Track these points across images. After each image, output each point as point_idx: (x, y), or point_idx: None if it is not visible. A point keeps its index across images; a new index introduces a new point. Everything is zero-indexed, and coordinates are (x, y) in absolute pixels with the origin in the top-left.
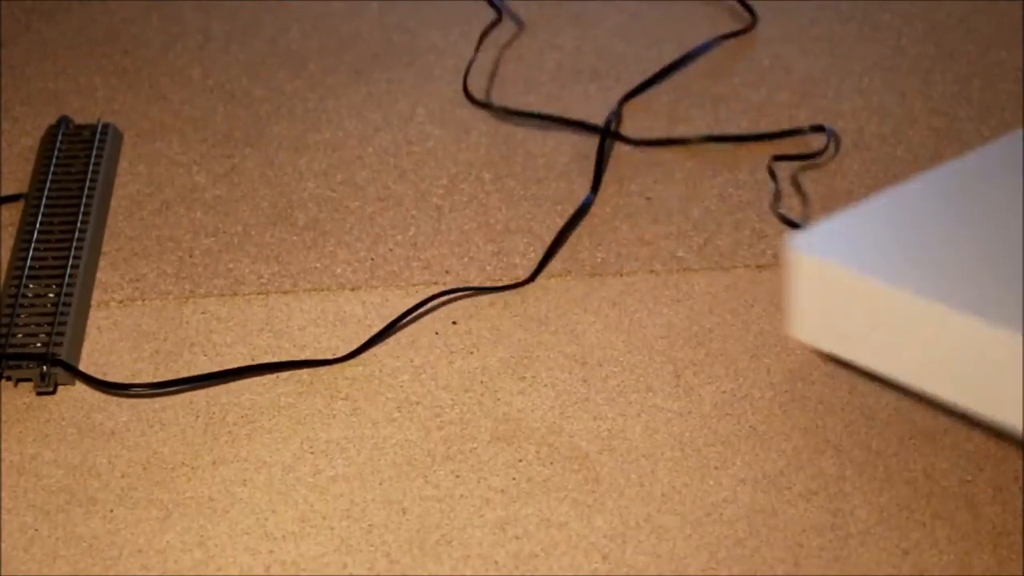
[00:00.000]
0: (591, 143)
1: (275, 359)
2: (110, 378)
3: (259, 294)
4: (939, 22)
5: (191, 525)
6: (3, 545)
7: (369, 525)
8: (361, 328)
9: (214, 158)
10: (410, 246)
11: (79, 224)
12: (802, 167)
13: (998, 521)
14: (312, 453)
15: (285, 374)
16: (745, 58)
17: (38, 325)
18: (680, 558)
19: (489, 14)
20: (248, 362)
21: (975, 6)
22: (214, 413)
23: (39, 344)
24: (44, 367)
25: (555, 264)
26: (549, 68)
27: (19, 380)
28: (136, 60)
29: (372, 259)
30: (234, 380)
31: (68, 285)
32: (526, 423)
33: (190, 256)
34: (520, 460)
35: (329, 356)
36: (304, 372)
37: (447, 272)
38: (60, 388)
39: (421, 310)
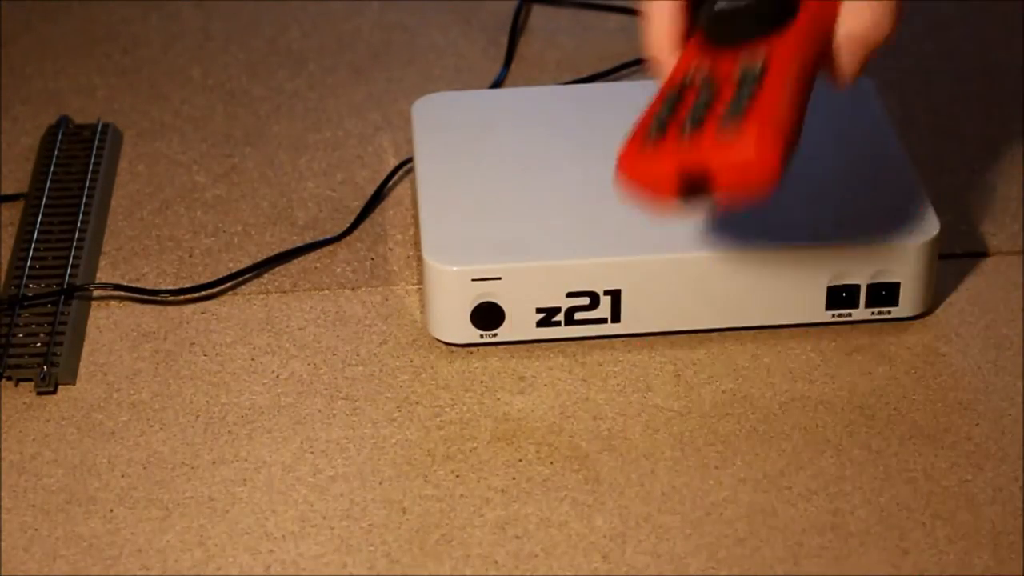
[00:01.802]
0: None
1: (275, 359)
2: (110, 378)
3: (259, 294)
4: (939, 22)
5: (191, 525)
6: (3, 545)
7: (369, 525)
8: (361, 328)
9: (214, 158)
10: (410, 246)
11: (79, 224)
12: None
13: (998, 521)
14: (312, 453)
15: (285, 373)
16: None
17: (38, 325)
18: (680, 558)
19: (489, 15)
20: (248, 362)
21: (975, 6)
22: (214, 413)
23: (39, 344)
24: (44, 367)
25: None
26: (550, 68)
27: (19, 380)
28: (136, 60)
29: (372, 259)
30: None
31: (68, 285)
32: (526, 423)
33: (190, 256)
34: (520, 460)
35: (329, 355)
36: (304, 372)
37: None
38: (60, 388)
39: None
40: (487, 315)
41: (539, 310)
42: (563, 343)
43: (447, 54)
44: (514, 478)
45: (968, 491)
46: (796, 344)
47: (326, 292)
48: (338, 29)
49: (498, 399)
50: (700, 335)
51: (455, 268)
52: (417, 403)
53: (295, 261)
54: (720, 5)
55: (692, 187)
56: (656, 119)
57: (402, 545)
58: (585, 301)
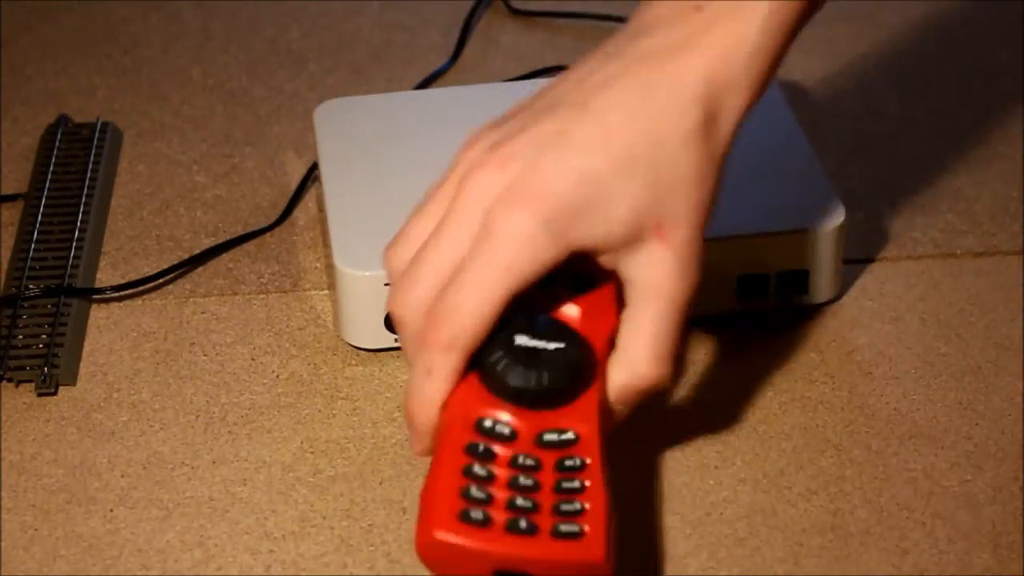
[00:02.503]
0: None
1: (275, 359)
2: (110, 378)
3: (259, 294)
4: (939, 22)
5: (191, 525)
6: (3, 545)
7: (369, 525)
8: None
9: (214, 158)
10: None
11: (79, 224)
12: None
13: (998, 521)
14: (312, 453)
15: (285, 373)
16: None
17: (38, 326)
18: (680, 558)
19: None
20: (248, 362)
21: (975, 6)
22: (214, 413)
23: (40, 345)
24: (45, 368)
25: None
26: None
27: (20, 381)
28: (136, 60)
29: None
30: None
31: (68, 285)
32: None
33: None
34: None
35: (330, 354)
36: (304, 372)
37: None
38: (60, 388)
39: None
40: None
41: None
42: None
43: (447, 54)
44: None
45: (968, 491)
46: (796, 344)
47: (326, 292)
48: (338, 29)
49: None
50: (700, 335)
51: (367, 273)
52: None
53: (295, 261)
54: (516, 382)
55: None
56: (473, 489)
57: (402, 545)
58: None
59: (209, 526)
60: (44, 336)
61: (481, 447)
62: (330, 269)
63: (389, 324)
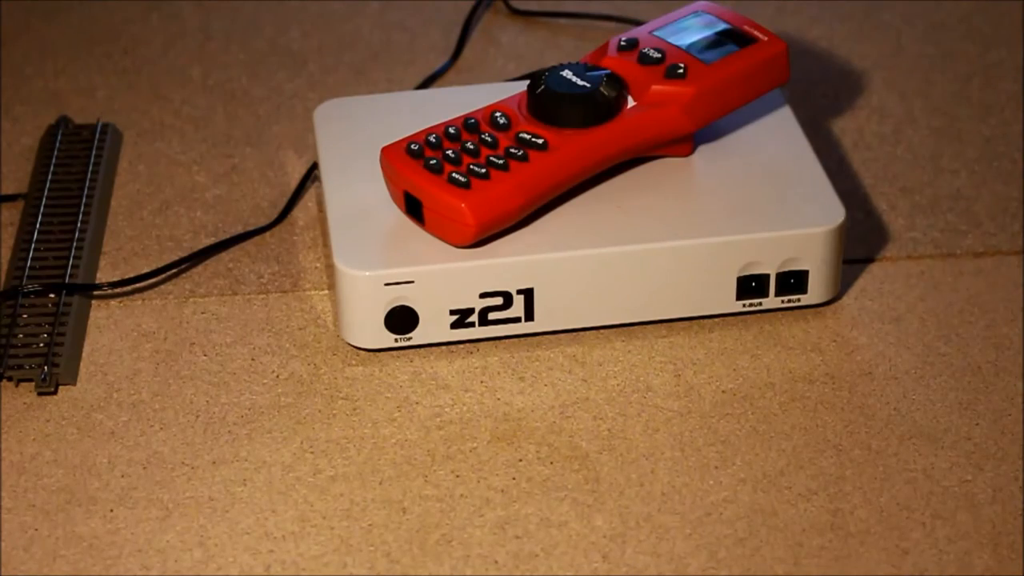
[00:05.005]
0: None
1: (275, 359)
2: (110, 378)
3: (259, 294)
4: (939, 22)
5: (191, 525)
6: (3, 545)
7: (369, 525)
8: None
9: (214, 158)
10: None
11: (79, 224)
12: None
13: (998, 521)
14: (312, 453)
15: (285, 373)
16: None
17: (39, 325)
18: (680, 558)
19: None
20: (248, 362)
21: (975, 6)
22: (214, 413)
23: (40, 344)
24: (45, 367)
25: None
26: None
27: (20, 380)
28: (136, 60)
29: None
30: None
31: (68, 284)
32: (526, 423)
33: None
34: (520, 460)
35: (330, 354)
36: (304, 372)
37: None
38: (60, 388)
39: None
40: (401, 319)
41: (453, 312)
42: (564, 343)
43: (447, 54)
44: (514, 478)
45: (968, 491)
46: (796, 344)
47: (325, 292)
48: (338, 29)
49: (498, 399)
50: (700, 335)
51: (368, 273)
52: (417, 403)
53: (295, 261)
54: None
55: (413, 205)
56: (432, 137)
57: (402, 545)
58: (498, 301)
59: (209, 526)
60: (44, 335)
61: (473, 119)
62: (330, 269)
63: (389, 324)
